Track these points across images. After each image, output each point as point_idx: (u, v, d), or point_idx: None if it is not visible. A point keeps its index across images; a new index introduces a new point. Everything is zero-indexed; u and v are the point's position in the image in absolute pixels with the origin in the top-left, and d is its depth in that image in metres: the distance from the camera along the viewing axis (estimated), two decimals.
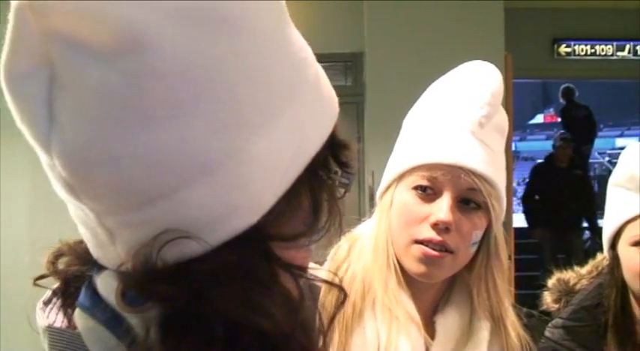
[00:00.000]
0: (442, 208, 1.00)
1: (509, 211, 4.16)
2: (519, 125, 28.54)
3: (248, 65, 0.49)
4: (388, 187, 1.09)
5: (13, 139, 4.40)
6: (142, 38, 0.44)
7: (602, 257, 1.58)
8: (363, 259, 1.08)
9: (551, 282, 1.60)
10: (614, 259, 1.46)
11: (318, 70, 0.58)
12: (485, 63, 1.09)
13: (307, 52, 0.57)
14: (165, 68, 0.45)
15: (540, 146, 28.15)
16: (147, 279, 0.46)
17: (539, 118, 30.54)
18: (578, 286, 1.56)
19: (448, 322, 1.07)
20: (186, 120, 0.46)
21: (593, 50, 5.94)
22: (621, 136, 25.10)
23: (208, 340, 0.45)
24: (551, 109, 28.06)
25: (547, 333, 1.49)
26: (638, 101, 12.52)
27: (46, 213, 4.32)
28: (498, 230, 1.07)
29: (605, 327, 1.45)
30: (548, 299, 1.59)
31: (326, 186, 0.58)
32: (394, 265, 1.04)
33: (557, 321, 1.51)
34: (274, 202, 0.51)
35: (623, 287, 1.44)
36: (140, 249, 0.47)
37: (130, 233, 0.48)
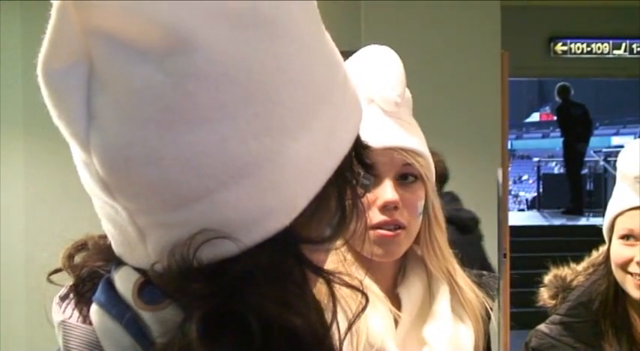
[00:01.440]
0: (386, 189, 1.06)
1: (505, 210, 4.17)
2: (516, 124, 28.62)
3: (287, 68, 0.49)
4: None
5: (8, 137, 4.37)
6: (188, 38, 0.44)
7: (598, 254, 1.61)
8: None
9: (547, 278, 1.62)
10: (608, 251, 1.50)
11: (346, 71, 0.58)
12: (379, 47, 1.18)
13: (337, 54, 0.57)
14: (209, 70, 0.45)
15: (536, 144, 28.24)
16: (183, 277, 0.46)
17: (535, 117, 30.64)
18: (574, 283, 1.58)
19: (411, 291, 1.12)
20: (227, 122, 0.46)
21: (589, 48, 5.95)
22: (617, 134, 25.18)
23: (247, 338, 0.45)
24: (547, 108, 28.16)
25: (545, 329, 1.52)
26: (634, 99, 12.57)
27: (41, 211, 4.31)
28: (435, 197, 1.13)
29: (602, 324, 1.47)
30: (544, 295, 1.61)
31: (351, 187, 0.58)
32: (345, 255, 1.08)
33: (554, 317, 1.53)
34: (306, 204, 0.51)
35: (615, 279, 1.48)
36: (175, 248, 0.47)
37: (164, 233, 0.48)
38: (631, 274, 1.41)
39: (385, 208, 1.06)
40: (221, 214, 0.48)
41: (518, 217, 11.30)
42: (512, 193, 21.08)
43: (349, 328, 0.62)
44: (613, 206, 1.49)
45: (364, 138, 1.05)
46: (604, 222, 1.55)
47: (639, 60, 6.01)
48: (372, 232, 1.07)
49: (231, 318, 0.46)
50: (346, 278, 0.56)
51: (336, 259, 1.05)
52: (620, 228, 1.46)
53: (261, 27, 0.47)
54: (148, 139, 0.46)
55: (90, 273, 0.56)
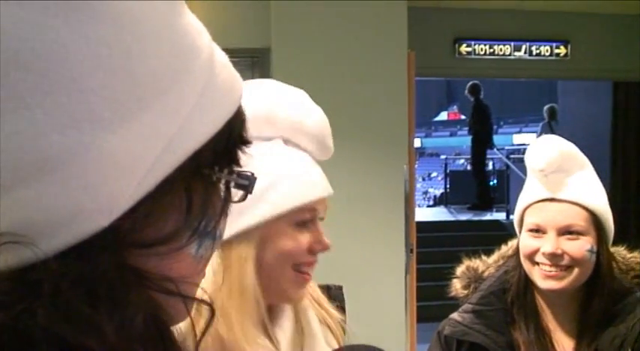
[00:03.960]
0: (322, 234, 1.08)
1: (411, 206, 4.27)
2: (425, 122, 29.25)
3: (102, 52, 0.43)
4: (247, 232, 1.03)
5: None
6: None
7: (508, 247, 1.68)
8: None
9: (460, 270, 1.69)
10: (519, 243, 1.56)
11: (214, 59, 0.53)
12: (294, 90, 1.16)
13: (199, 39, 0.52)
14: None
15: (444, 142, 28.99)
16: None
17: (443, 116, 31.46)
18: (486, 273, 1.65)
19: (284, 331, 1.09)
20: (21, 113, 0.42)
21: (492, 50, 6.16)
22: (519, 132, 26.21)
23: None
24: (455, 107, 28.98)
25: (458, 317, 1.57)
26: (535, 100, 13.07)
27: None
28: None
29: (511, 313, 1.55)
30: (457, 286, 1.67)
31: (212, 186, 0.54)
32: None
33: (467, 306, 1.58)
34: (132, 204, 0.46)
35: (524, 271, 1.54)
36: None
37: None
38: (538, 263, 1.48)
39: (313, 251, 1.07)
40: (22, 214, 0.43)
41: (426, 213, 11.59)
42: (422, 189, 21.58)
43: (197, 345, 0.57)
44: (523, 200, 1.56)
45: (309, 189, 1.06)
46: (514, 215, 1.61)
47: (538, 62, 6.28)
48: (299, 276, 1.06)
49: (19, 336, 0.41)
50: (190, 290, 0.53)
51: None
52: (529, 221, 1.52)
53: (66, 7, 0.42)
54: None
55: None
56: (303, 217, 1.05)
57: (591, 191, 1.51)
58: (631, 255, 1.63)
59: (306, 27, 4.16)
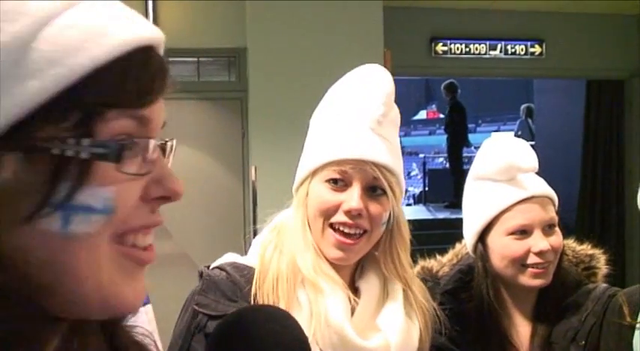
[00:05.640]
0: (353, 197, 1.15)
1: None
2: (404, 121, 29.33)
3: None
4: (303, 182, 1.22)
5: None
6: None
7: (462, 246, 1.67)
8: (288, 242, 1.20)
9: (415, 270, 1.62)
10: (485, 251, 1.52)
11: (24, 36, 0.50)
12: (378, 66, 1.24)
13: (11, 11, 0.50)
14: None
15: (424, 141, 29.10)
16: None
17: (422, 114, 31.53)
18: (440, 273, 1.64)
19: (369, 284, 1.21)
20: None
21: (467, 49, 6.21)
22: (497, 131, 26.35)
23: None
24: (434, 106, 29.08)
25: None
26: (512, 98, 13.16)
27: None
28: (399, 211, 1.23)
29: (466, 311, 1.54)
30: None
31: (59, 158, 0.51)
32: (313, 246, 1.18)
33: None
34: None
35: (493, 277, 1.52)
36: None
37: None
38: (529, 266, 1.45)
39: (349, 213, 1.15)
40: None
41: (405, 212, 11.62)
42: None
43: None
44: (491, 205, 1.50)
45: (343, 148, 1.14)
46: (474, 222, 1.55)
47: (514, 61, 6.34)
48: (329, 232, 1.17)
49: None
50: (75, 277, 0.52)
51: (310, 246, 1.17)
52: (509, 224, 1.47)
53: None
54: None
55: None
56: (332, 176, 1.17)
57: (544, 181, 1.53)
58: (580, 247, 1.64)
59: (281, 27, 4.17)
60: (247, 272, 1.18)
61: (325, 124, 1.23)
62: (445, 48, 6.12)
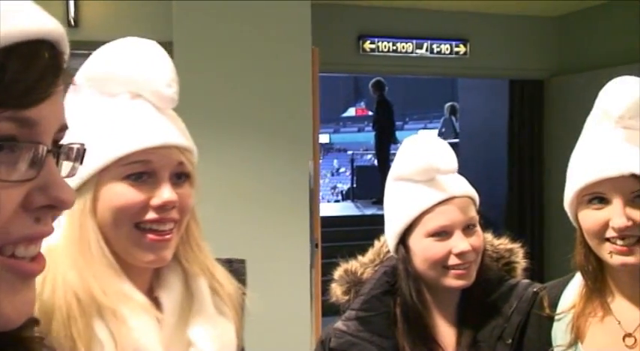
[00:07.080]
0: (166, 189, 1.01)
1: (316, 201, 4.30)
2: (333, 118, 29.59)
3: None
4: (84, 185, 1.00)
5: None
6: None
7: (381, 244, 1.63)
8: (63, 272, 0.98)
9: (338, 274, 1.61)
10: (407, 253, 1.49)
11: None
12: (144, 40, 1.10)
13: None
14: None
15: (352, 138, 29.41)
16: None
17: (351, 112, 31.84)
18: (365, 275, 1.59)
19: (170, 292, 1.08)
20: None
21: (394, 47, 6.30)
22: (424, 128, 26.89)
23: None
24: (362, 103, 29.42)
25: (342, 327, 1.51)
26: (438, 96, 13.43)
27: None
28: (194, 194, 1.09)
29: (394, 315, 1.51)
30: (337, 291, 1.60)
31: None
32: (111, 262, 1.01)
33: (350, 313, 1.53)
34: None
35: (415, 279, 1.49)
36: None
37: None
38: (450, 267, 1.43)
39: (162, 208, 1.01)
40: None
41: (333, 208, 11.72)
42: (330, 184, 21.79)
43: None
44: (411, 206, 1.47)
45: (141, 136, 0.97)
46: (395, 223, 1.51)
47: (439, 59, 6.47)
48: (143, 237, 1.01)
49: None
50: None
51: (105, 263, 0.99)
52: (429, 226, 1.44)
53: None
54: None
55: None
56: (134, 170, 1.00)
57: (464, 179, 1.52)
58: (499, 241, 1.63)
59: (208, 22, 4.11)
60: None
61: (104, 114, 1.03)
62: (373, 46, 6.19)
